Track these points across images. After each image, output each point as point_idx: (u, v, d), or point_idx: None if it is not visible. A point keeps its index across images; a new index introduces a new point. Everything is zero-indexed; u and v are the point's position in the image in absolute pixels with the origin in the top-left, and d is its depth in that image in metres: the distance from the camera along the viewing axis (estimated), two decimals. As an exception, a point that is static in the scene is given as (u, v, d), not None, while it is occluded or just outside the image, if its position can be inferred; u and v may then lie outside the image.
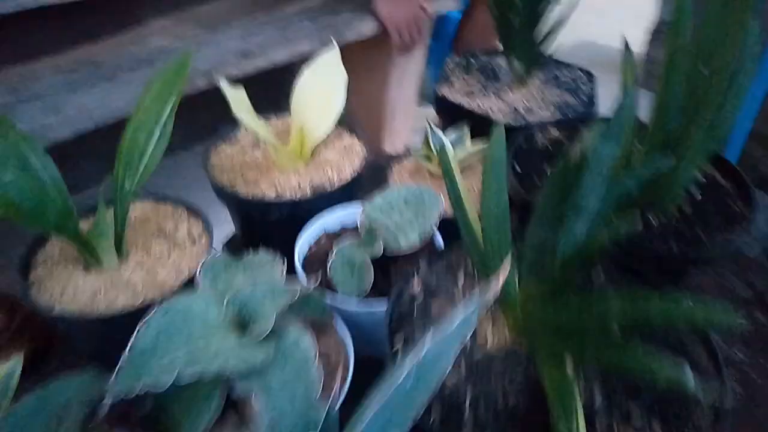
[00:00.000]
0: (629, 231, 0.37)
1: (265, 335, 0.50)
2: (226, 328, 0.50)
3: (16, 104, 0.99)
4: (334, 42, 0.81)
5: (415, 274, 0.60)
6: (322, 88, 0.78)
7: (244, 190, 0.73)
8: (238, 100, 0.69)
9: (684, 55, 0.55)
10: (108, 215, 0.62)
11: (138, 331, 0.46)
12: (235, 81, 1.22)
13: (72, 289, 0.60)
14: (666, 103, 0.56)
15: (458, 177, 0.56)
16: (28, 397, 0.43)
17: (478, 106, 0.85)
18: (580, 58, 0.97)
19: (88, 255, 0.61)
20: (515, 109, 0.85)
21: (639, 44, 2.06)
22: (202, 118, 1.11)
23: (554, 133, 0.79)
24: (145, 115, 0.62)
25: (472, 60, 0.99)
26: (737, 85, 0.59)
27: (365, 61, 1.61)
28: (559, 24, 0.86)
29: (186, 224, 0.70)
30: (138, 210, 0.72)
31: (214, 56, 1.22)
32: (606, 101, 0.76)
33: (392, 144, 1.72)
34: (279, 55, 1.28)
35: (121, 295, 0.60)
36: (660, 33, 1.94)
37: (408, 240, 0.66)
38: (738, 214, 0.66)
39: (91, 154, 1.09)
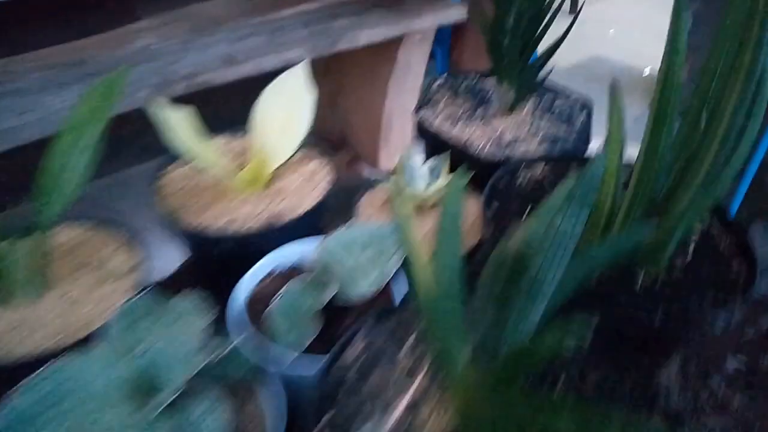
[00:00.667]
0: (576, 344, 0.29)
1: (166, 404, 0.43)
2: (124, 395, 0.43)
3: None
4: (307, 59, 0.74)
5: (361, 331, 0.53)
6: (285, 107, 0.71)
7: (191, 218, 0.66)
8: (176, 121, 0.62)
9: (676, 99, 0.47)
10: (25, 243, 0.55)
11: (14, 394, 0.39)
12: (217, 88, 1.15)
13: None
14: (651, 158, 0.48)
15: (412, 226, 0.49)
16: None
17: (458, 135, 0.77)
18: (593, 75, 0.89)
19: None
20: (500, 138, 0.77)
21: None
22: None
23: (539, 171, 0.71)
24: (73, 135, 0.56)
25: (462, 80, 0.91)
26: (744, 131, 0.51)
27: (363, 70, 1.54)
28: (555, 47, 0.78)
29: (123, 253, 0.64)
30: (68, 236, 0.65)
31: (197, 60, 1.15)
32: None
33: (389, 155, 1.65)
34: (266, 63, 1.20)
35: (35, 334, 0.54)
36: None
37: (360, 287, 0.59)
38: (736, 281, 0.57)
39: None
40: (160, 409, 0.42)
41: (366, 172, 1.68)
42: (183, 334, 0.50)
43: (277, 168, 0.71)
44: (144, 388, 0.44)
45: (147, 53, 1.19)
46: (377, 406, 0.47)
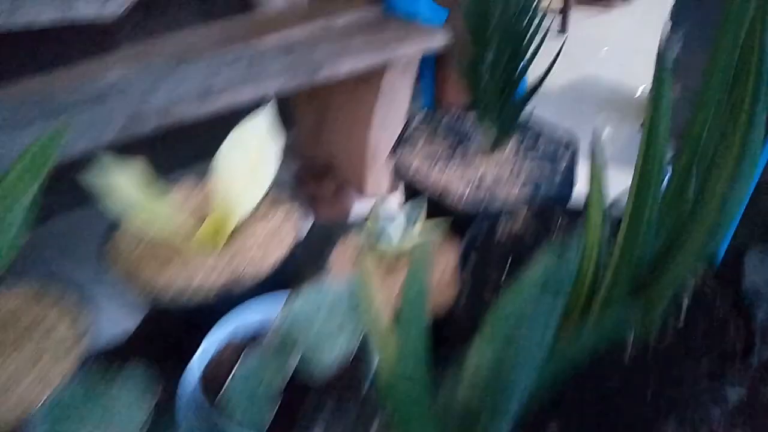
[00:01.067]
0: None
1: None
2: None
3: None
4: (273, 98, 0.70)
5: (322, 414, 0.48)
6: (248, 156, 0.66)
7: (145, 280, 0.61)
8: (120, 183, 0.57)
9: (662, 149, 0.43)
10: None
11: None
12: (194, 122, 1.10)
13: None
14: (636, 227, 0.43)
15: (374, 290, 0.44)
16: None
17: (436, 179, 0.72)
18: (584, 96, 0.84)
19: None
20: (481, 182, 0.72)
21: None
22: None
23: (521, 219, 0.66)
24: (7, 191, 0.51)
25: (442, 117, 0.87)
26: (737, 181, 0.46)
27: (348, 97, 1.50)
28: (539, 83, 0.74)
29: (68, 319, 0.59)
30: (7, 299, 0.60)
31: (171, 94, 1.11)
32: (609, 149, 0.63)
33: (376, 182, 1.60)
34: (243, 95, 1.16)
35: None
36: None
37: (324, 359, 0.53)
38: (734, 348, 0.52)
39: None
40: None
41: (353, 200, 1.63)
42: (123, 422, 0.44)
43: (240, 222, 0.66)
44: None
45: (119, 86, 1.15)
46: None
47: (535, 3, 0.68)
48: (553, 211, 0.67)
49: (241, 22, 1.44)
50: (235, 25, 1.41)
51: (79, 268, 0.68)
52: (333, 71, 1.22)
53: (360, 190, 1.64)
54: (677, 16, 1.59)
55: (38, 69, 1.14)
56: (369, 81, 1.41)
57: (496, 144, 0.78)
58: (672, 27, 1.55)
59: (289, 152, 1.71)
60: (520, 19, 0.69)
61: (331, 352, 0.54)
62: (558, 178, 0.74)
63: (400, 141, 0.80)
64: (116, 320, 0.64)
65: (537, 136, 0.83)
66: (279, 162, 0.66)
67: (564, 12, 2.54)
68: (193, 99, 1.10)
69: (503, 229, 0.66)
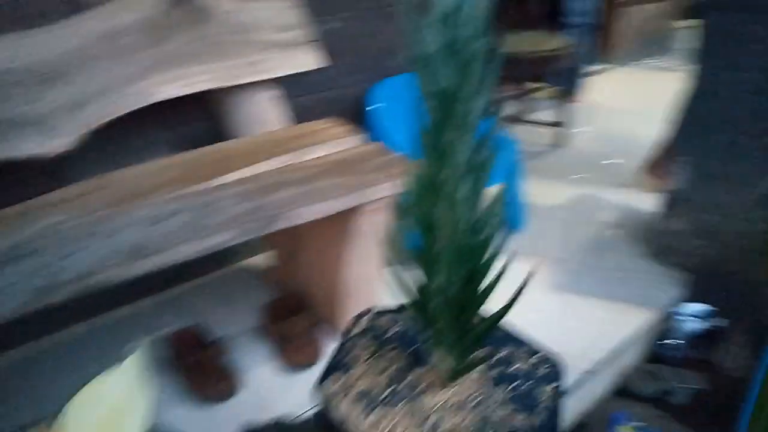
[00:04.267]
0: None
1: None
2: None
3: None
4: (138, 346, 0.53)
5: None
6: (107, 416, 0.49)
7: None
8: None
9: None
10: None
11: None
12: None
13: None
14: None
15: None
16: None
17: (371, 430, 0.54)
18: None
19: None
20: (430, 435, 0.53)
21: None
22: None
23: None
24: None
25: (392, 321, 0.69)
26: None
27: (321, 234, 1.35)
28: (506, 309, 0.56)
29: None
30: None
31: (99, 252, 0.96)
32: None
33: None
34: (180, 254, 1.01)
35: None
36: (687, 202, 1.50)
37: None
38: None
39: None
40: None
41: (324, 341, 1.45)
42: None
43: None
44: None
45: (45, 239, 1.01)
46: None
47: (494, 215, 0.52)
48: None
49: (206, 154, 1.32)
50: (198, 160, 1.28)
51: None
52: (292, 221, 1.07)
53: (333, 328, 1.47)
54: (683, 145, 1.44)
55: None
56: (343, 219, 1.26)
57: (455, 375, 0.60)
58: (679, 156, 1.41)
59: (265, 279, 1.55)
60: (476, 234, 0.52)
61: None
62: (536, 426, 0.55)
63: (333, 365, 0.62)
64: None
65: (511, 356, 0.64)
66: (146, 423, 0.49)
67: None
68: (123, 261, 0.95)
69: None
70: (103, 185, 1.17)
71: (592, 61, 2.68)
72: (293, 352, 1.39)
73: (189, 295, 1.46)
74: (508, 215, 1.56)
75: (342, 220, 1.25)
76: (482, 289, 0.55)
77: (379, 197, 1.18)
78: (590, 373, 1.28)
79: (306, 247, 1.41)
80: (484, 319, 0.57)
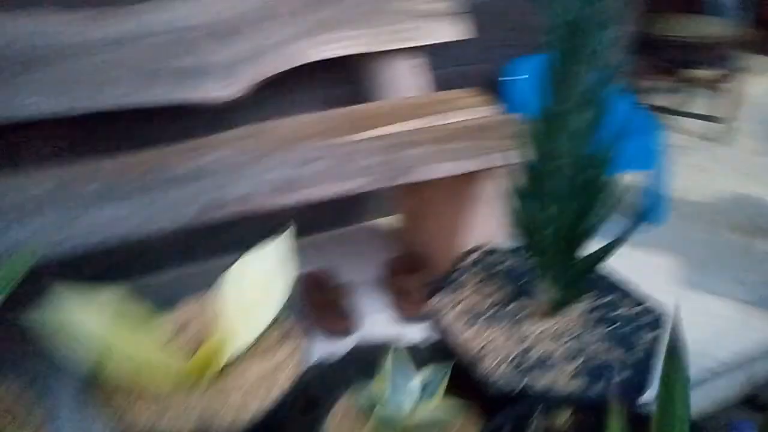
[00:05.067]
0: None
1: None
2: None
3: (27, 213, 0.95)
4: (290, 230, 0.63)
5: None
6: (258, 285, 0.59)
7: (114, 409, 0.56)
8: (89, 315, 0.53)
9: None
10: None
11: None
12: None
13: None
14: None
15: None
16: None
17: (471, 341, 0.59)
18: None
19: None
20: (525, 357, 0.58)
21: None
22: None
23: (562, 421, 0.51)
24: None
25: (505, 257, 0.74)
26: None
27: (447, 196, 1.41)
28: (619, 241, 0.59)
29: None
30: None
31: (256, 182, 1.10)
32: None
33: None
34: (324, 192, 1.13)
35: None
36: None
37: None
38: None
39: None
40: None
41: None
42: None
43: (235, 356, 0.59)
44: None
45: (210, 169, 1.18)
46: None
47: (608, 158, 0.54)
48: (607, 414, 0.51)
49: (349, 113, 1.44)
50: (341, 117, 1.40)
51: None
52: (422, 175, 1.14)
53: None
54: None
55: (143, 143, 1.22)
56: (468, 183, 1.31)
57: (558, 307, 0.63)
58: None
59: (390, 238, 1.65)
60: (591, 169, 0.55)
61: None
62: (627, 373, 0.57)
63: (444, 282, 0.69)
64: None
65: (617, 302, 0.66)
66: (288, 295, 0.59)
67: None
68: (275, 191, 1.09)
69: (536, 427, 0.51)
70: (260, 131, 1.33)
71: (753, 52, 2.41)
72: (407, 306, 1.47)
73: (323, 242, 1.59)
74: (648, 206, 1.51)
75: (466, 184, 1.30)
76: (590, 226, 0.58)
77: (507, 163, 1.21)
78: (715, 374, 1.20)
79: (429, 211, 1.48)
80: (588, 255, 0.59)
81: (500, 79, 1.51)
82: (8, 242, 0.74)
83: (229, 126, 1.40)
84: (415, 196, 1.59)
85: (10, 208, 0.90)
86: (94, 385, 0.57)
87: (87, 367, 0.59)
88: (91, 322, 0.53)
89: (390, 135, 1.28)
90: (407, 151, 1.21)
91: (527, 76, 1.47)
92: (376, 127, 1.29)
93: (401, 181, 1.12)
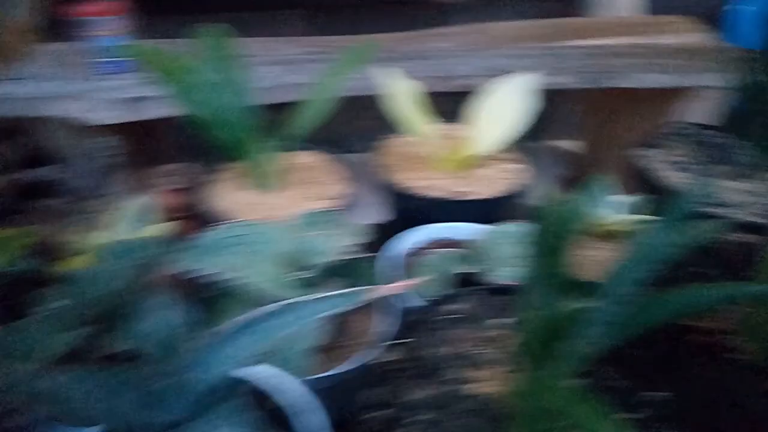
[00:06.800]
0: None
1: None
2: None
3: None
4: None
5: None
6: (507, 106, 0.78)
7: (397, 177, 0.80)
8: (403, 93, 0.75)
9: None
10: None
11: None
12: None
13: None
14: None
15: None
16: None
17: (679, 182, 0.73)
18: None
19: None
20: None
21: None
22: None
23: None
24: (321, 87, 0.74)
25: (708, 134, 0.85)
26: None
27: (637, 109, 1.47)
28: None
29: (337, 184, 0.80)
30: (304, 159, 0.87)
31: (476, 67, 1.28)
32: None
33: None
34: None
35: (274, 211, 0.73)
36: None
37: (496, 275, 0.63)
38: None
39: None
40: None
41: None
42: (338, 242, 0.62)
43: (481, 158, 0.79)
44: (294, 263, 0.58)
45: (441, 52, 1.37)
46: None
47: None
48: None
49: (562, 24, 1.55)
50: (553, 26, 1.52)
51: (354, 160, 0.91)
52: (625, 82, 1.23)
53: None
54: None
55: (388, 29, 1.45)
56: (668, 102, 1.37)
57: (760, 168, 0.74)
58: None
59: (568, 158, 1.75)
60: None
61: (503, 273, 0.63)
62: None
63: (651, 143, 0.82)
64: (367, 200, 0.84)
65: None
66: (529, 122, 0.77)
67: None
68: (490, 75, 1.26)
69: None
70: (478, 30, 1.49)
71: None
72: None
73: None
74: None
75: (662, 100, 1.36)
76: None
77: (715, 85, 1.25)
78: None
79: (611, 132, 1.55)
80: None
81: (724, 8, 1.51)
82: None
83: (449, 24, 1.59)
84: (599, 115, 1.66)
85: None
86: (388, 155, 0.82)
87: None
88: (407, 101, 0.76)
89: (599, 46, 1.38)
90: (613, 60, 1.30)
91: (755, 8, 1.46)
92: (586, 38, 1.39)
93: (606, 84, 1.23)
